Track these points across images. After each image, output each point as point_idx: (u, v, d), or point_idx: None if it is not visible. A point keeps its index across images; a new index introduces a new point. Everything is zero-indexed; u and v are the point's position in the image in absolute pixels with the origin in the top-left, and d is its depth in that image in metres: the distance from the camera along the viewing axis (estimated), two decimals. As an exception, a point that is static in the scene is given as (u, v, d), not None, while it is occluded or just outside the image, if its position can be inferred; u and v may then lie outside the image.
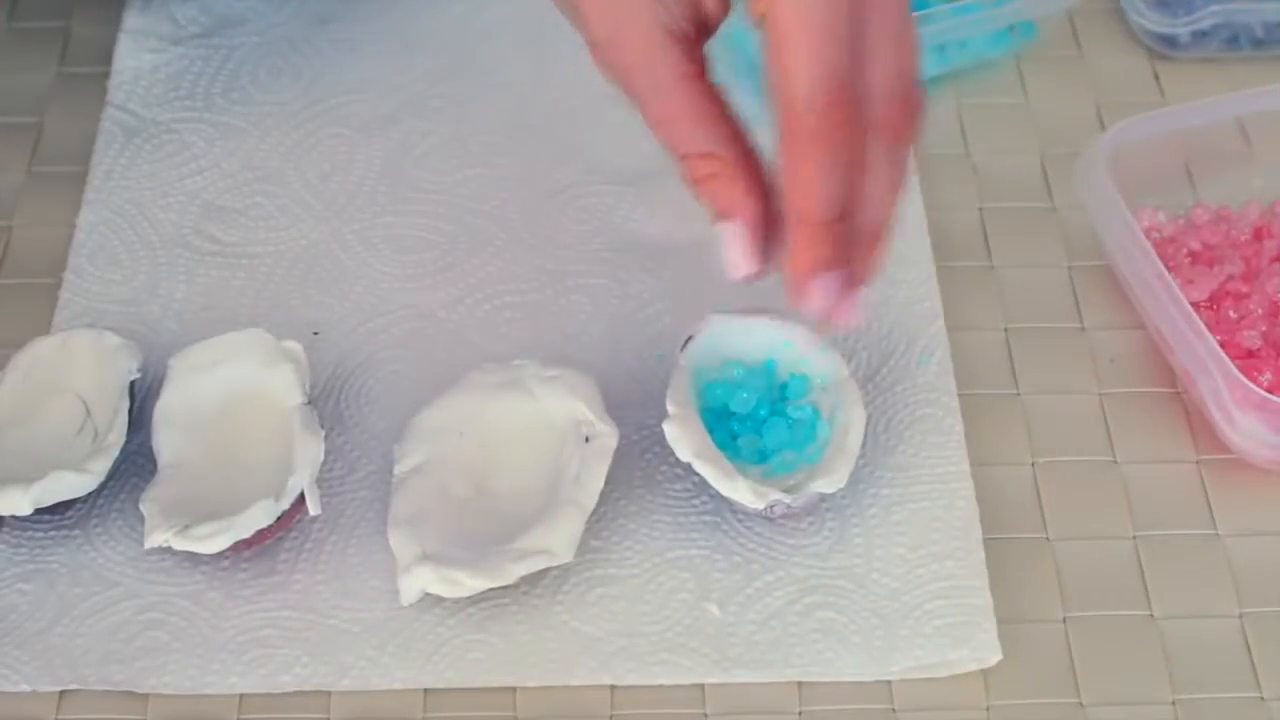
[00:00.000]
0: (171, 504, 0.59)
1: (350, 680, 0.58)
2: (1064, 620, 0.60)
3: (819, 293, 0.56)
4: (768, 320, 0.62)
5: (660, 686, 0.58)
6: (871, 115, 0.54)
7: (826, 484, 0.59)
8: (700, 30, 0.56)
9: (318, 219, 0.71)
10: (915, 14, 0.56)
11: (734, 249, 0.56)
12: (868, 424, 0.62)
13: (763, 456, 0.61)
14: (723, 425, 0.61)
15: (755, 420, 0.62)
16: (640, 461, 0.60)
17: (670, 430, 0.59)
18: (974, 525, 0.61)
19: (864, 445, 0.62)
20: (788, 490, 0.59)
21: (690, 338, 0.62)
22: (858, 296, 0.57)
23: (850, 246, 0.56)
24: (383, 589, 0.60)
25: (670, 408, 0.60)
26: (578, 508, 0.59)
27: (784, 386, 0.62)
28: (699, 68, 0.56)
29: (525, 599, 0.60)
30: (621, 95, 0.57)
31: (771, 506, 0.59)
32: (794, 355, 0.62)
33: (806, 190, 0.54)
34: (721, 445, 0.60)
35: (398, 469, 0.61)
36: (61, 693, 0.58)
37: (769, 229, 0.56)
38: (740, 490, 0.58)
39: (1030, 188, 0.73)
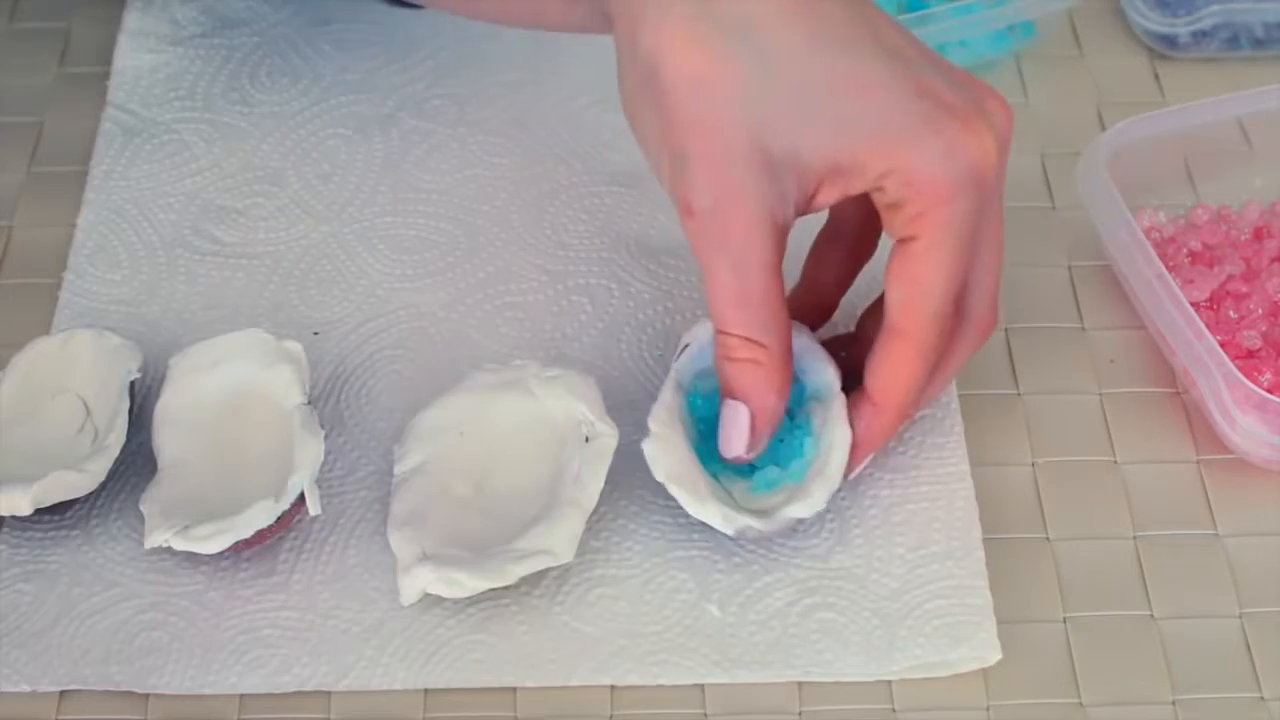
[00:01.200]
0: (171, 504, 0.59)
1: (350, 680, 0.58)
2: (1064, 620, 0.60)
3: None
4: None
5: (660, 687, 0.58)
6: (968, 329, 0.61)
7: (802, 508, 0.59)
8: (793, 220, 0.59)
9: (318, 219, 0.71)
10: (916, 25, 0.59)
11: (738, 429, 0.59)
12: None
13: (750, 470, 0.61)
14: (714, 434, 0.61)
15: None
16: (640, 462, 0.60)
17: (648, 449, 0.59)
18: (974, 525, 0.61)
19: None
20: (763, 512, 0.59)
21: (685, 345, 0.62)
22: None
23: None
24: (383, 589, 0.60)
25: (652, 425, 0.59)
26: (578, 508, 0.59)
27: None
28: (781, 257, 0.58)
29: (525, 599, 0.60)
30: (697, 256, 0.58)
31: (742, 532, 0.59)
32: None
33: (903, 387, 0.59)
34: (711, 455, 0.60)
35: (398, 469, 0.61)
36: (61, 693, 0.58)
37: (770, 424, 0.59)
38: (710, 514, 0.58)
39: (1030, 188, 0.73)
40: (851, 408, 0.60)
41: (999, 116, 0.57)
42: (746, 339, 0.58)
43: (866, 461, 0.61)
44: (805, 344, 0.61)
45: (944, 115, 0.56)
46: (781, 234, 0.57)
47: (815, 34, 0.56)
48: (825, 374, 0.61)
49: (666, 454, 0.59)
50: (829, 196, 0.57)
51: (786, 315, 0.58)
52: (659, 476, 0.59)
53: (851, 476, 0.60)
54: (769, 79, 0.56)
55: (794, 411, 0.61)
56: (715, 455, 0.60)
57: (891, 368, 0.59)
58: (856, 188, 0.57)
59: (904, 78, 0.56)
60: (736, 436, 0.59)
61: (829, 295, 0.64)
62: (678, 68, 0.56)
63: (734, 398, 0.59)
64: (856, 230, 0.63)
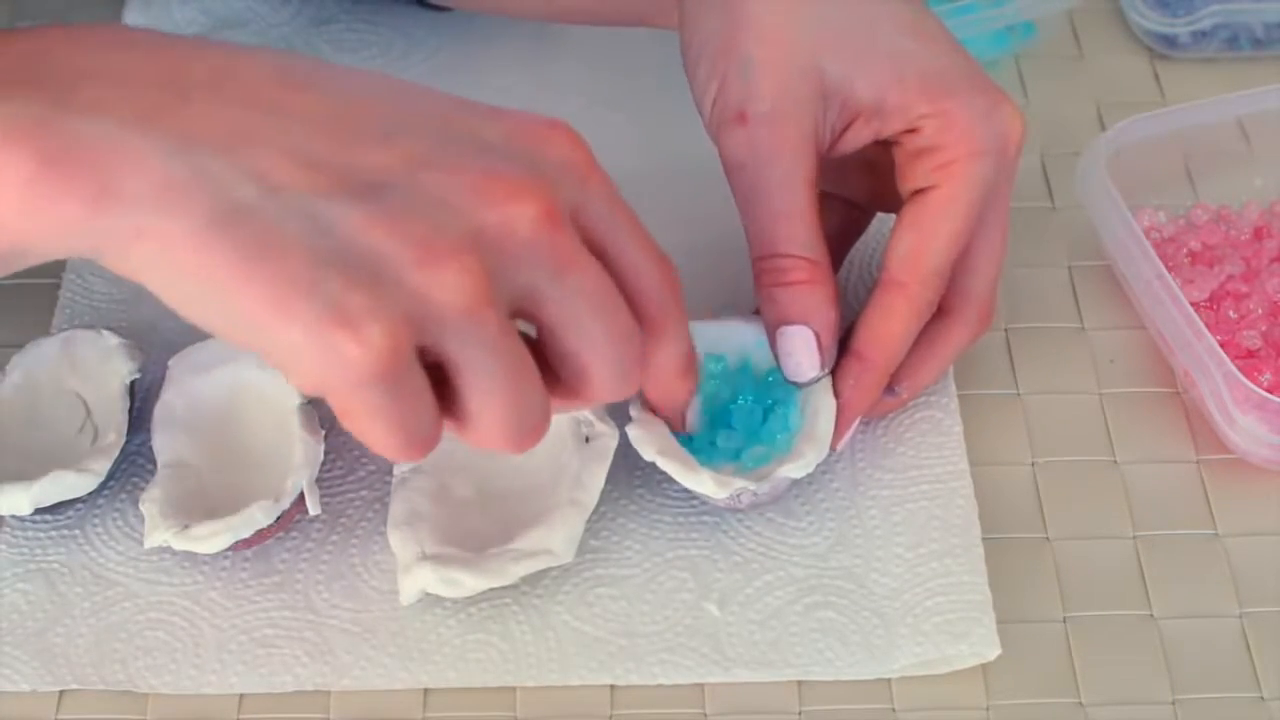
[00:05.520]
0: (171, 504, 0.59)
1: (350, 680, 0.58)
2: (1064, 620, 0.60)
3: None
4: (742, 322, 0.62)
5: (660, 686, 0.58)
6: (965, 310, 0.61)
7: (794, 469, 0.59)
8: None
9: (318, 219, 0.71)
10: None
11: (806, 353, 0.59)
12: (868, 425, 0.63)
13: (735, 455, 0.61)
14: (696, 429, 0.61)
15: (728, 414, 0.61)
16: (640, 461, 0.60)
17: (633, 433, 0.59)
18: (973, 524, 0.61)
19: (858, 450, 0.62)
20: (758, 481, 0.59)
21: None
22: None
23: (880, 403, 0.62)
24: (383, 589, 0.60)
25: (632, 411, 0.59)
26: (578, 508, 0.59)
27: (761, 381, 0.62)
28: (817, 180, 0.59)
29: (525, 599, 0.60)
30: (739, 174, 0.59)
31: (738, 495, 0.59)
32: (769, 353, 0.61)
33: (891, 339, 0.60)
34: (699, 446, 0.60)
35: (398, 469, 0.61)
36: (61, 693, 0.58)
37: (834, 340, 0.60)
38: (703, 482, 0.58)
39: (1030, 188, 0.73)
40: (836, 373, 0.60)
41: (1022, 116, 0.60)
42: (800, 258, 0.58)
43: (853, 429, 0.61)
44: None
45: (985, 81, 0.59)
46: (820, 160, 0.59)
47: None
48: None
49: (651, 433, 0.59)
50: (859, 135, 0.59)
51: (824, 236, 0.59)
52: (648, 455, 0.59)
53: (840, 446, 0.60)
54: (835, 11, 0.59)
55: (775, 392, 0.61)
56: (697, 444, 0.60)
57: (882, 319, 0.59)
58: (890, 128, 0.59)
59: (951, 43, 0.60)
60: (808, 360, 0.59)
61: None
62: None
63: (792, 322, 0.59)
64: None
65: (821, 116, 0.59)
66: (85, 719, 0.58)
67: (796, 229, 0.58)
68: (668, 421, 0.59)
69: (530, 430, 0.49)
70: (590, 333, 0.48)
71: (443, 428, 0.48)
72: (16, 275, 0.69)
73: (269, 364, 0.46)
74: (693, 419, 0.60)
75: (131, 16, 0.78)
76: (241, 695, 0.58)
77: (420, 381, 0.46)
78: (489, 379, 0.47)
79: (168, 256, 0.45)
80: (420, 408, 0.46)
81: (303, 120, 0.46)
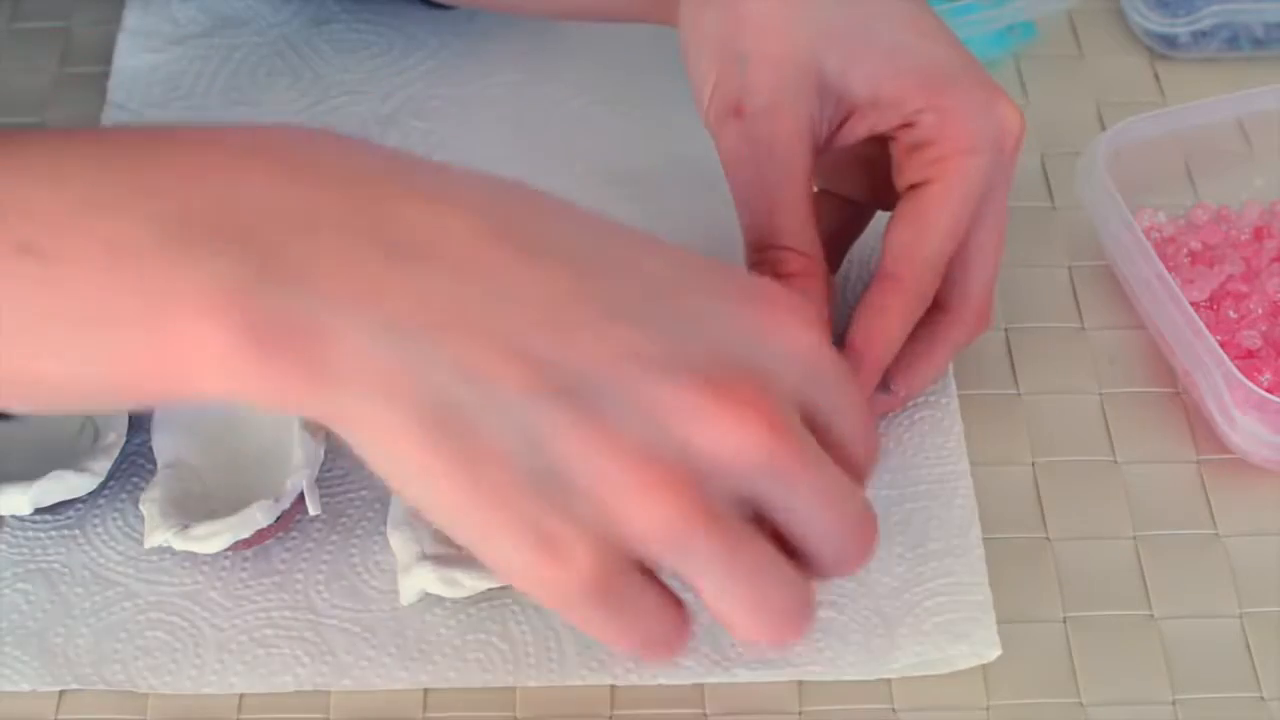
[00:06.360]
0: (171, 504, 0.59)
1: (350, 680, 0.58)
2: (1064, 620, 0.60)
3: None
4: None
5: (660, 686, 0.58)
6: (962, 309, 0.61)
7: None
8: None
9: (318, 219, 0.71)
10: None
11: None
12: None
13: None
14: None
15: None
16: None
17: None
18: (973, 524, 0.61)
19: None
20: None
21: None
22: None
23: (877, 401, 0.61)
24: (383, 589, 0.60)
25: None
26: (578, 508, 0.59)
27: None
28: (812, 175, 0.59)
29: (525, 599, 0.59)
30: (735, 169, 0.59)
31: None
32: None
33: (886, 334, 0.59)
34: None
35: (398, 469, 0.61)
36: (61, 692, 0.58)
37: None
38: None
39: (1030, 188, 0.73)
40: None
41: (1021, 115, 0.60)
42: (793, 250, 0.58)
43: None
44: None
45: (983, 77, 0.59)
46: (816, 154, 0.59)
47: None
48: None
49: None
50: (856, 130, 0.59)
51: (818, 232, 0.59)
52: None
53: None
54: (833, 6, 0.59)
55: None
56: None
57: (878, 313, 0.59)
58: (886, 123, 0.59)
59: (950, 39, 0.60)
60: None
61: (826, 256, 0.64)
62: None
63: None
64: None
65: (818, 111, 0.59)
66: (85, 719, 0.58)
67: (791, 222, 0.58)
68: None
69: (792, 618, 0.47)
70: (818, 525, 0.47)
71: (689, 626, 0.47)
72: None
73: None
74: None
75: (131, 16, 0.78)
76: (241, 695, 0.58)
77: (641, 591, 0.45)
78: (722, 588, 0.45)
79: (382, 443, 0.45)
80: (648, 614, 0.46)
81: (518, 298, 0.44)
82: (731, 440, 0.44)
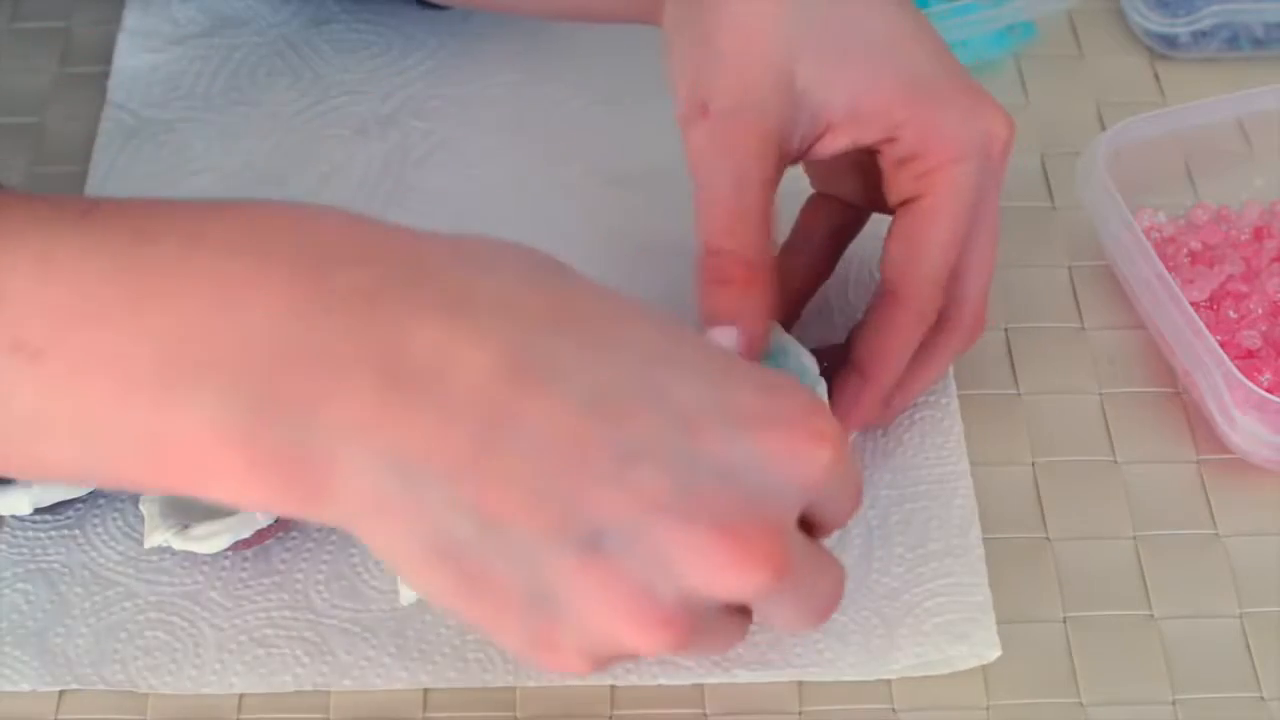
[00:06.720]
0: (171, 504, 0.59)
1: (350, 680, 0.58)
2: (1064, 620, 0.60)
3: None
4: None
5: (660, 686, 0.58)
6: (958, 318, 0.60)
7: None
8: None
9: (318, 219, 0.71)
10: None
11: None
12: (866, 428, 0.62)
13: None
14: None
15: None
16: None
17: None
18: (973, 524, 0.61)
19: (858, 450, 0.62)
20: None
21: None
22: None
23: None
24: (383, 589, 0.60)
25: None
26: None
27: None
28: (776, 186, 0.58)
29: (525, 599, 0.59)
30: (697, 168, 0.58)
31: None
32: (770, 362, 0.61)
33: (892, 353, 0.59)
34: None
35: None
36: (61, 692, 0.58)
37: (759, 354, 0.58)
38: None
39: (1030, 188, 0.73)
40: (835, 385, 0.59)
41: (1008, 119, 0.59)
42: (741, 258, 0.57)
43: (849, 441, 0.61)
44: (779, 333, 0.61)
45: (967, 82, 0.58)
46: (783, 163, 0.58)
47: None
48: (803, 358, 0.61)
49: None
50: (837, 141, 0.58)
51: (772, 247, 0.58)
52: None
53: None
54: (817, 8, 0.57)
55: None
56: None
57: (882, 332, 0.59)
58: (868, 136, 0.58)
59: (936, 47, 0.58)
60: None
61: (820, 259, 0.64)
62: None
63: (721, 321, 0.56)
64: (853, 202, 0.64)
65: (790, 118, 0.57)
66: (85, 719, 0.58)
67: (741, 228, 0.57)
68: None
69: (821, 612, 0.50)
70: (792, 620, 0.49)
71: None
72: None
73: None
74: None
75: (131, 16, 0.78)
76: (241, 695, 0.58)
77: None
78: None
79: (386, 554, 0.45)
80: None
81: (532, 442, 0.43)
82: (732, 583, 0.45)
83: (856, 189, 0.63)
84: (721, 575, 0.45)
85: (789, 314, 0.63)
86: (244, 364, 0.44)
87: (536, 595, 0.45)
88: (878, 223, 0.66)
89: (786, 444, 0.46)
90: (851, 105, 0.57)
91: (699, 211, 0.58)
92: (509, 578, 0.44)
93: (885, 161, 0.59)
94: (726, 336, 0.57)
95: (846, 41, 0.57)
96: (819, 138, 0.58)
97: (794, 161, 0.59)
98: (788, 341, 0.61)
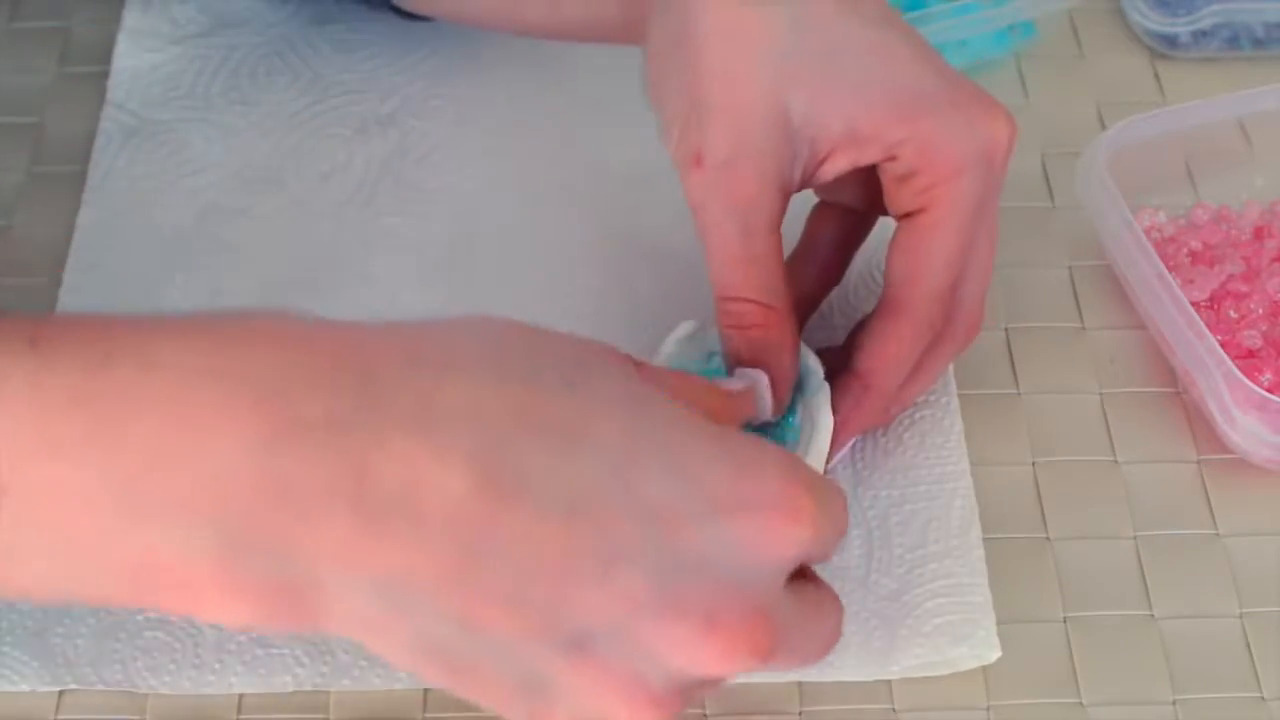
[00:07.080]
0: (171, 504, 0.59)
1: (350, 680, 0.58)
2: (1064, 620, 0.60)
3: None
4: None
5: (660, 686, 0.58)
6: (956, 321, 0.60)
7: None
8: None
9: (318, 219, 0.71)
10: (916, 25, 0.58)
11: (762, 398, 0.57)
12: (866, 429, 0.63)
13: None
14: None
15: None
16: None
17: None
18: (973, 524, 0.61)
19: (858, 450, 0.62)
20: None
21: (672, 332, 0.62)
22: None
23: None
24: (382, 589, 0.60)
25: None
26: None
27: None
28: (781, 221, 0.58)
29: (525, 599, 0.59)
30: (699, 216, 0.57)
31: None
32: None
33: (894, 364, 0.59)
34: None
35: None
36: (61, 692, 0.58)
37: (789, 386, 0.58)
38: None
39: (1030, 188, 0.73)
40: (837, 391, 0.59)
41: (1008, 119, 0.58)
42: (756, 303, 0.57)
43: (848, 446, 0.61)
44: None
45: (962, 94, 0.57)
46: (786, 198, 0.58)
47: (844, 5, 0.57)
48: (808, 360, 0.61)
49: None
50: (837, 165, 0.57)
51: (787, 277, 0.58)
52: None
53: (833, 464, 0.60)
54: (799, 36, 0.56)
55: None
56: None
57: (885, 344, 0.59)
58: (868, 157, 0.57)
59: (926, 56, 0.57)
60: (762, 405, 0.58)
61: (830, 267, 0.64)
62: (713, 18, 0.56)
63: (746, 365, 0.57)
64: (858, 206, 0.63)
65: (787, 158, 0.57)
66: (85, 719, 0.58)
67: (753, 274, 0.57)
68: None
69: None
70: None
71: None
72: (16, 275, 0.70)
73: None
74: None
75: (131, 16, 0.78)
76: (241, 695, 0.58)
77: None
78: None
79: (383, 657, 0.46)
80: None
81: (509, 551, 0.44)
82: (721, 670, 0.46)
83: (861, 197, 0.62)
84: (708, 665, 0.46)
85: (799, 321, 0.63)
86: (214, 499, 0.43)
87: (529, 684, 0.46)
88: (879, 224, 0.66)
89: (762, 528, 0.46)
90: (848, 129, 0.56)
91: (708, 258, 0.57)
92: (500, 673, 0.46)
93: (886, 178, 0.58)
94: (754, 378, 0.57)
95: (835, 65, 0.56)
96: (819, 165, 0.58)
97: (797, 190, 0.59)
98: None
